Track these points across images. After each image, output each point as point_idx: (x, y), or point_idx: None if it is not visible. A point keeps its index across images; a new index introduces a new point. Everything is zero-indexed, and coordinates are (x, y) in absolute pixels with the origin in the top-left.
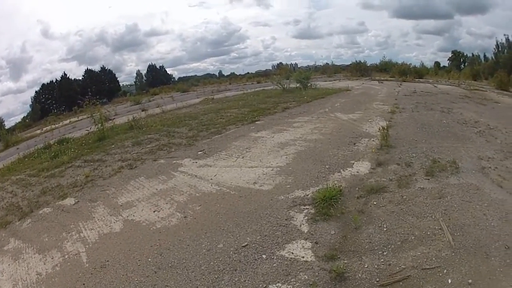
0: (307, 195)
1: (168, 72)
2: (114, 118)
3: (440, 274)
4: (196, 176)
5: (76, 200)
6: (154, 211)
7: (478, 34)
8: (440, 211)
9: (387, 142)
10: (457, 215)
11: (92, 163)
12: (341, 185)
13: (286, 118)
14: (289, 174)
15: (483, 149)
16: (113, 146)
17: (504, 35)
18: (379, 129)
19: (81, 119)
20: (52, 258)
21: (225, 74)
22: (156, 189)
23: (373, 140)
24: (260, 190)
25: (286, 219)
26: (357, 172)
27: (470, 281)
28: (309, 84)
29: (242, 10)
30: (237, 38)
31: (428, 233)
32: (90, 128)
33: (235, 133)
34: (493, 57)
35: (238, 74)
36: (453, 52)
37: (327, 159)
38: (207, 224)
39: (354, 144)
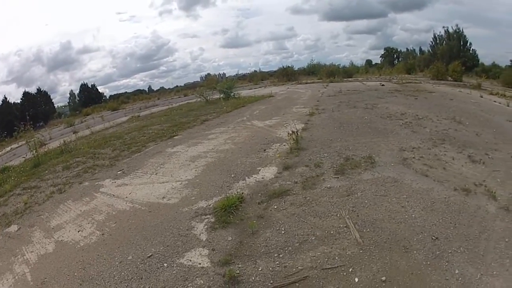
0: (210, 205)
1: (99, 90)
2: (48, 143)
3: (345, 273)
4: (114, 195)
5: (19, 227)
6: (78, 231)
7: (414, 29)
8: (347, 209)
9: (298, 145)
10: (368, 211)
11: (29, 190)
12: (243, 193)
13: (203, 131)
14: (195, 186)
15: (407, 140)
16: (46, 172)
17: (443, 27)
18: (288, 133)
19: (20, 145)
20: (7, 280)
21: (155, 89)
22: (81, 211)
23: (284, 145)
24: (168, 204)
25: (187, 229)
26: (262, 178)
27: (383, 278)
28: (232, 94)
29: (171, 23)
30: (166, 51)
31: (332, 232)
32: (26, 155)
33: (153, 150)
34: (430, 50)
35: (167, 88)
36: (385, 49)
37: (234, 168)
38: (120, 239)
39: (264, 150)
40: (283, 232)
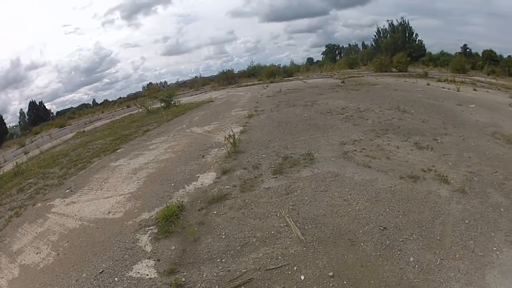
0: (152, 216)
1: (47, 107)
2: (3, 166)
3: (289, 272)
4: (64, 214)
5: None
6: (37, 253)
7: (357, 25)
8: (287, 208)
9: (236, 149)
10: (309, 208)
11: None
12: (183, 201)
13: (145, 142)
14: (138, 198)
15: (348, 133)
16: (3, 196)
17: (387, 20)
18: (225, 137)
19: None
20: None
21: (99, 102)
22: (36, 233)
23: (222, 149)
24: (113, 219)
25: (133, 242)
26: (201, 184)
27: (331, 273)
28: (172, 102)
29: (113, 33)
30: (108, 63)
31: (273, 232)
32: None
33: (98, 165)
34: (373, 44)
35: (110, 100)
36: (327, 46)
37: (174, 177)
38: (74, 257)
39: (203, 156)
40: (224, 236)
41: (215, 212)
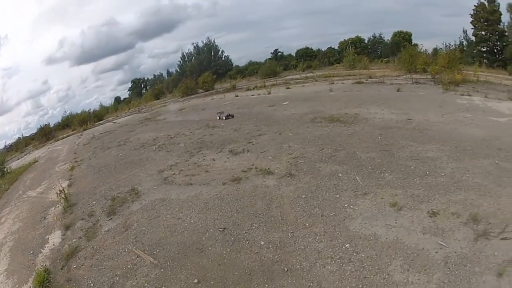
0: (30, 287)
1: None
2: None
3: None
4: None
5: None
6: None
7: (162, 53)
8: (131, 242)
9: (69, 203)
10: (150, 235)
11: None
12: (45, 265)
13: None
14: (13, 273)
15: (164, 161)
16: None
17: (192, 43)
18: (57, 194)
19: None
20: None
21: None
22: None
23: (58, 206)
24: None
25: None
26: (53, 244)
27: (196, 281)
28: (5, 169)
29: None
30: None
31: (129, 266)
32: None
33: None
34: (178, 69)
35: None
36: (132, 81)
37: (30, 244)
38: None
39: (45, 218)
40: (92, 285)
41: (75, 266)
